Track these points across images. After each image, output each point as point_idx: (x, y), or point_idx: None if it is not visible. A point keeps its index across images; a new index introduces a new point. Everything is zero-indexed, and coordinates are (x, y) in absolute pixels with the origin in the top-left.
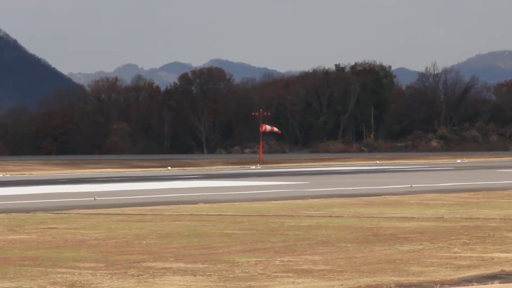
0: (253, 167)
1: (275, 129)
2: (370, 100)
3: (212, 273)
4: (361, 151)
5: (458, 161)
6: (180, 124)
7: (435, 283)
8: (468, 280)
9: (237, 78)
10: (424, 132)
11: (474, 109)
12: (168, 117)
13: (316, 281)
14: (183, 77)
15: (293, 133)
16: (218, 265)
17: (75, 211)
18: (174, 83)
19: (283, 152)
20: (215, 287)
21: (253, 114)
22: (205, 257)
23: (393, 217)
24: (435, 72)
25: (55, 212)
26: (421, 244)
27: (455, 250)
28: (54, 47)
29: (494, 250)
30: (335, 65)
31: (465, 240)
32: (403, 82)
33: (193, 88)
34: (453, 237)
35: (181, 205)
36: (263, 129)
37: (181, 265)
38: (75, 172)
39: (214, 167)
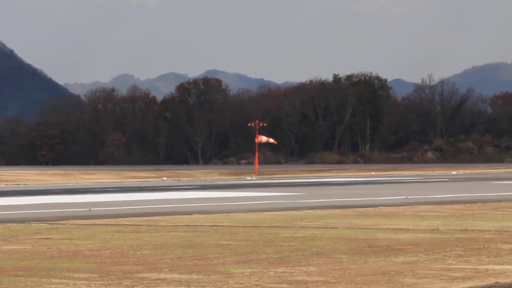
0: (249, 178)
1: (271, 140)
2: (366, 112)
3: (207, 284)
4: (357, 162)
5: (454, 172)
6: (176, 135)
7: None
8: None
9: (233, 89)
10: (419, 143)
11: (469, 120)
12: (164, 128)
13: None
14: (181, 88)
15: (289, 144)
16: (213, 276)
17: (70, 221)
18: (171, 93)
19: (279, 163)
20: None
21: (249, 125)
22: (200, 268)
23: (388, 228)
24: (431, 84)
25: (50, 222)
26: (415, 256)
27: (450, 262)
28: (50, 57)
29: (488, 262)
30: (333, 74)
31: (460, 252)
32: (399, 93)
33: (189, 99)
34: (447, 249)
35: (176, 216)
36: (259, 140)
37: (176, 275)
38: (71, 182)
39: (209, 178)
